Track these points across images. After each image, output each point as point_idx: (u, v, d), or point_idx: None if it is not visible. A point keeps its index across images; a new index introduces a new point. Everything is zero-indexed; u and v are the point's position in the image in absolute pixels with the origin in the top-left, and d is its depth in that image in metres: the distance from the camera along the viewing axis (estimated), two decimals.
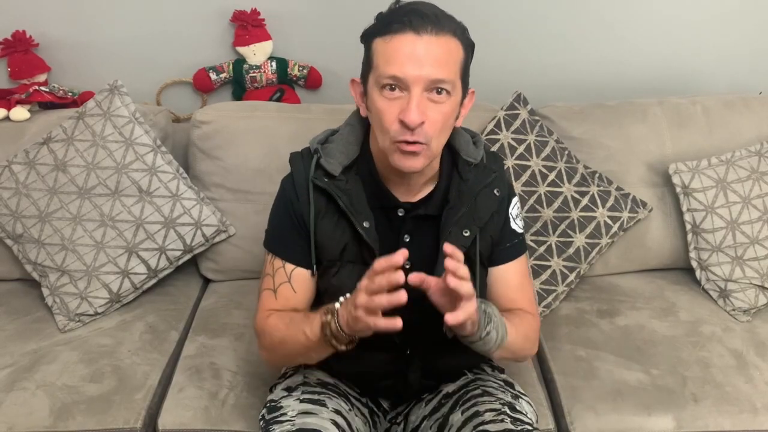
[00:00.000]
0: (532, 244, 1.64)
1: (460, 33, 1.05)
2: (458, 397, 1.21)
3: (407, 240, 1.15)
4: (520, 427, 1.11)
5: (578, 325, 1.61)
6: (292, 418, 1.11)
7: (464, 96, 1.09)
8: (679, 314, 1.64)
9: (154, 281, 1.68)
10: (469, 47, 1.07)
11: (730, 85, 2.01)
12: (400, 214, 1.15)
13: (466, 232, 1.13)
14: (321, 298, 1.19)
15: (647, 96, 1.86)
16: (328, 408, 1.14)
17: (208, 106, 1.81)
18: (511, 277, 1.23)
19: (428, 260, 1.12)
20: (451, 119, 1.07)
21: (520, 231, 1.24)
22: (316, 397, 1.17)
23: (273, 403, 1.18)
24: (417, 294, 1.06)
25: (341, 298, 1.03)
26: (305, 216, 1.14)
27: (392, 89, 1.02)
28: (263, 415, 1.17)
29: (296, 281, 1.17)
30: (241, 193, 1.73)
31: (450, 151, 1.17)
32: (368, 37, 1.07)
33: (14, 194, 1.65)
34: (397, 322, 0.94)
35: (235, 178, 1.73)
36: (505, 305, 1.21)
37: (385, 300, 0.92)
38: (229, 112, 1.77)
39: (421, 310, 1.05)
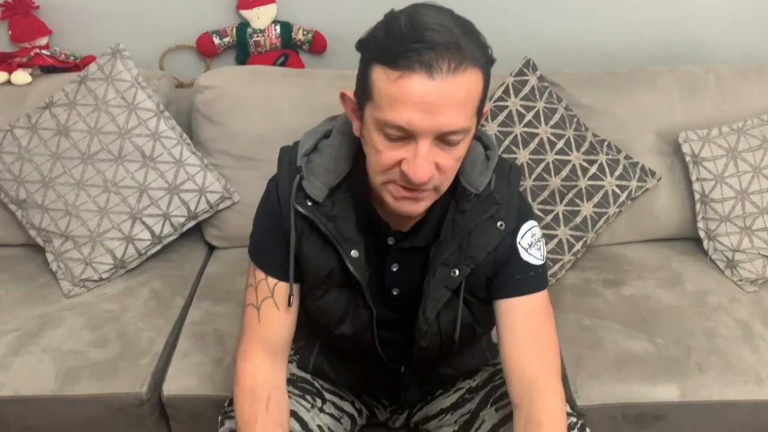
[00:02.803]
0: (539, 213, 1.63)
1: (482, 57, 0.84)
2: (487, 393, 1.17)
3: (395, 269, 1.04)
4: (569, 420, 1.06)
5: (584, 295, 1.60)
6: None
7: (479, 121, 0.90)
8: (686, 284, 1.63)
9: (158, 248, 1.68)
10: (489, 65, 0.87)
11: (744, 54, 1.97)
12: (390, 243, 1.02)
13: (455, 272, 0.99)
14: (307, 314, 1.11)
15: (659, 64, 1.82)
16: None
17: (212, 71, 1.78)
18: (518, 316, 1.02)
19: (417, 287, 1.03)
20: (463, 155, 0.90)
21: (535, 263, 1.03)
22: None
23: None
24: (407, 313, 1.04)
25: None
26: (287, 233, 1.01)
27: (395, 139, 0.85)
28: (224, 406, 1.15)
29: (279, 297, 1.05)
30: (245, 160, 1.72)
31: None
32: (367, 58, 0.86)
33: (17, 159, 1.63)
34: None
35: (239, 144, 1.71)
36: (515, 372, 1.00)
37: None
38: (232, 77, 1.74)
39: (411, 330, 1.03)
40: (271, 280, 1.05)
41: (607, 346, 1.45)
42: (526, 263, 1.02)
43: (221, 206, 1.72)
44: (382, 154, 0.86)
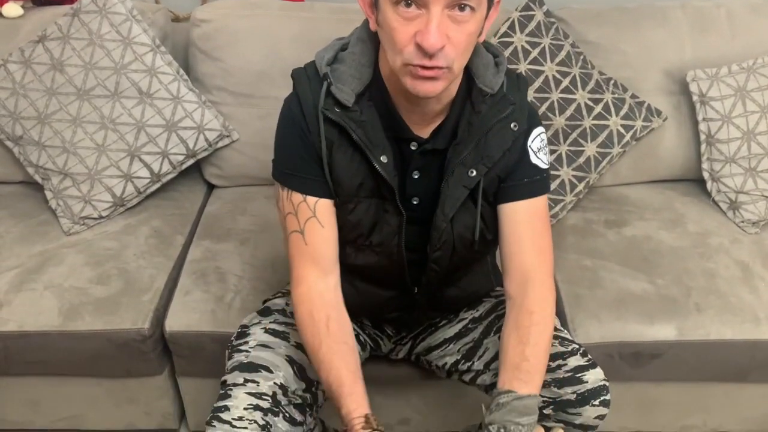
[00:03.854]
0: None
1: None
2: (490, 323, 1.19)
3: (416, 177, 1.06)
4: (570, 347, 1.11)
5: (585, 235, 1.60)
6: (249, 350, 1.10)
7: (489, 7, 0.93)
8: (687, 225, 1.62)
9: (157, 186, 1.67)
10: None
11: None
12: (413, 149, 1.04)
13: (472, 172, 1.03)
14: (339, 231, 1.10)
15: None
16: (289, 342, 1.12)
17: (208, 4, 1.73)
18: (521, 218, 1.07)
19: (435, 194, 1.05)
20: (475, 37, 0.93)
21: (542, 166, 1.08)
22: (281, 329, 1.14)
23: (243, 329, 1.16)
24: (426, 224, 1.05)
25: None
26: (317, 147, 1.02)
27: (408, 5, 0.87)
28: (231, 340, 1.16)
29: (322, 214, 1.04)
30: (243, 97, 1.69)
31: (466, 76, 1.03)
32: None
33: (11, 94, 1.60)
34: None
35: (237, 80, 1.67)
36: (514, 266, 1.07)
37: None
38: (229, 10, 1.69)
39: (427, 244, 1.03)
40: (311, 199, 1.04)
41: (607, 285, 1.45)
42: (535, 166, 1.07)
43: (220, 144, 1.70)
44: (397, 31, 0.89)
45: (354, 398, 0.97)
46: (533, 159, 1.07)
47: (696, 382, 1.48)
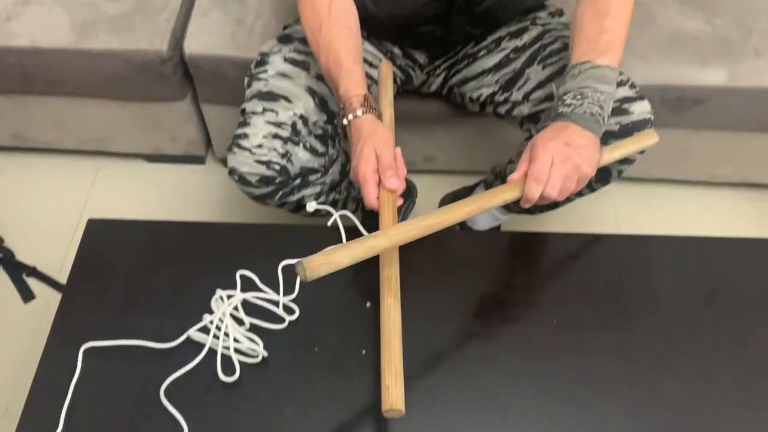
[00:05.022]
0: None
1: None
2: (534, 52, 1.09)
3: None
4: (619, 78, 1.01)
5: None
6: (268, 78, 1.03)
7: None
8: None
9: None
10: None
11: None
12: None
13: None
14: None
15: None
16: (309, 73, 1.04)
17: None
18: None
19: None
20: None
21: None
22: (301, 58, 1.06)
23: (262, 56, 1.08)
24: None
25: (351, 117, 0.89)
26: None
27: None
28: (251, 68, 1.08)
29: None
30: None
31: None
32: None
33: None
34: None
35: None
36: None
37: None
38: None
39: None
40: None
41: (660, 24, 1.33)
42: None
43: None
44: None
45: (352, 78, 0.92)
46: None
47: (733, 131, 1.42)
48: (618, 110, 0.98)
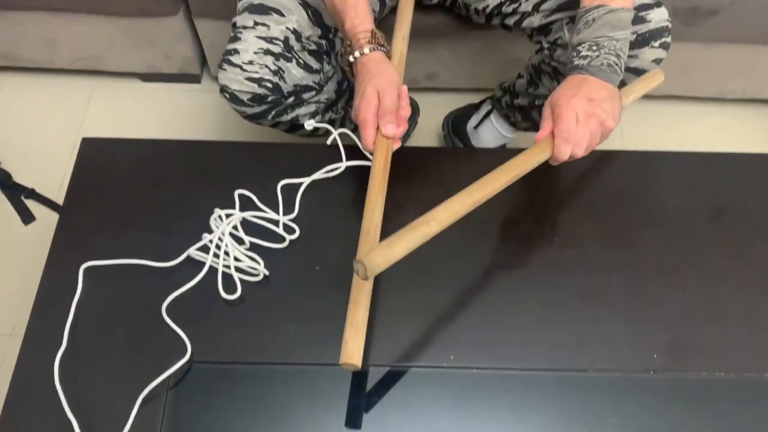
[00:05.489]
0: None
1: None
2: None
3: None
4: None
5: None
6: None
7: None
8: None
9: None
10: None
11: None
12: None
13: None
14: None
15: None
16: None
17: None
18: None
19: None
20: None
21: None
22: None
23: None
24: None
25: (358, 54, 0.86)
26: None
27: None
28: None
29: None
30: None
31: None
32: None
33: None
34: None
35: None
36: None
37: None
38: None
39: None
40: None
41: None
42: None
43: None
44: None
45: (358, 12, 0.88)
46: None
47: (746, 44, 1.37)
48: (635, 18, 0.93)
